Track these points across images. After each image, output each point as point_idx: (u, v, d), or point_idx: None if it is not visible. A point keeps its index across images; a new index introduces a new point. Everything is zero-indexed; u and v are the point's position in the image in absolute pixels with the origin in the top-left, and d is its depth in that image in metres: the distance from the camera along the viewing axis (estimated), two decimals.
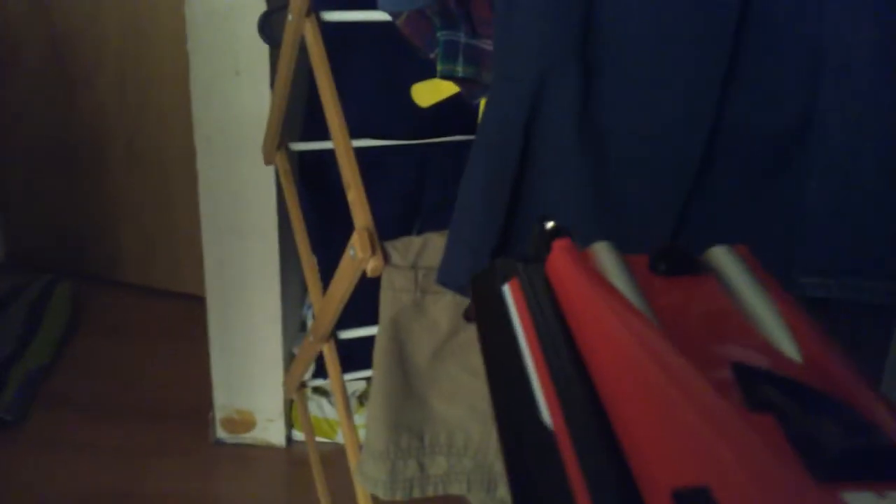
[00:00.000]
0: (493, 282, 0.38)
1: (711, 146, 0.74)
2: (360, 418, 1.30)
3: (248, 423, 1.42)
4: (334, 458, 1.32)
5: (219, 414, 1.42)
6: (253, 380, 1.39)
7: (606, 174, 0.72)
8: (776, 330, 0.31)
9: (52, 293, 1.80)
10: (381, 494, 0.79)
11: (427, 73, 0.93)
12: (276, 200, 1.27)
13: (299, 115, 1.19)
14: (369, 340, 0.82)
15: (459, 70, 0.76)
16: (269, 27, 1.00)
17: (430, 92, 0.93)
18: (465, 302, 0.77)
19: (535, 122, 0.67)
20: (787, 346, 0.30)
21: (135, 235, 1.90)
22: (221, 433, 1.43)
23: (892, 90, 0.68)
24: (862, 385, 0.28)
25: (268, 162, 1.02)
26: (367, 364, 0.83)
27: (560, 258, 0.36)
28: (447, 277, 0.72)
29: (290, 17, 0.80)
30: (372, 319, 0.81)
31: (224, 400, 1.41)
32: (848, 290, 0.72)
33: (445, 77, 0.77)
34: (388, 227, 0.90)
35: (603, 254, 0.36)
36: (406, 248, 0.75)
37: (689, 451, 0.26)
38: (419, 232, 0.82)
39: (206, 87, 1.20)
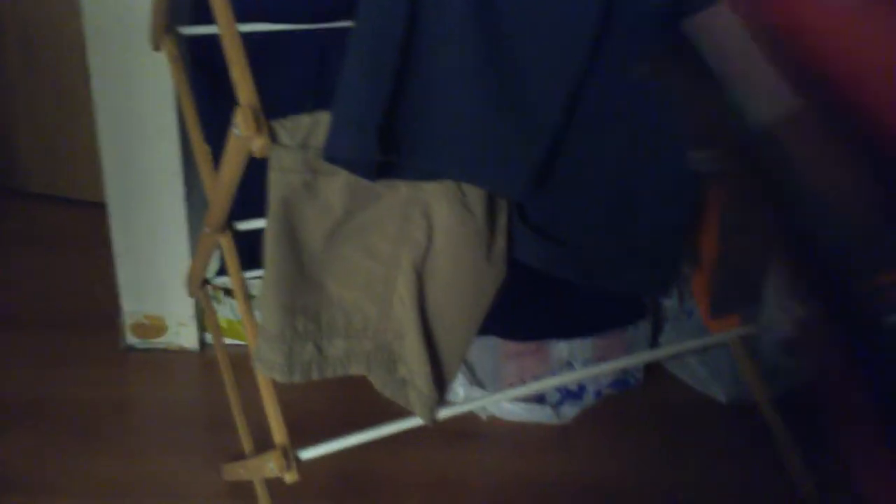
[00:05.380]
0: None
1: (606, 17, 0.73)
2: None
3: (158, 328, 1.39)
4: (249, 360, 1.30)
5: (128, 320, 1.38)
6: (161, 284, 1.36)
7: (499, 44, 0.71)
8: None
9: None
10: (278, 378, 0.78)
11: None
12: (175, 95, 1.21)
13: None
14: None
15: None
16: None
17: None
18: (360, 183, 0.75)
19: None
20: None
21: (33, 141, 1.80)
22: (132, 339, 1.40)
23: None
24: None
25: (155, 48, 0.97)
26: None
27: None
28: (333, 151, 0.70)
29: None
30: None
31: (132, 306, 1.38)
32: None
33: None
34: (283, 113, 0.87)
35: None
36: (295, 126, 0.73)
37: None
38: None
39: None
